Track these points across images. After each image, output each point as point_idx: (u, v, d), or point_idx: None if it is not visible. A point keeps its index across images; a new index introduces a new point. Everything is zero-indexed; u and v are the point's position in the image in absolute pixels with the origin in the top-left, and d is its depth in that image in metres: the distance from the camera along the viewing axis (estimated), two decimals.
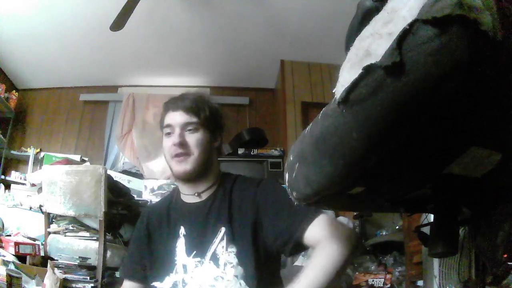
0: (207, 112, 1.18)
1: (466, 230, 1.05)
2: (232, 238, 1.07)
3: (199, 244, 1.09)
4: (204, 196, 1.17)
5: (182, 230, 1.12)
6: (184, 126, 1.15)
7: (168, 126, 1.17)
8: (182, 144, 1.13)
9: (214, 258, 1.06)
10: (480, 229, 0.95)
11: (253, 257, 1.05)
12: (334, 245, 0.94)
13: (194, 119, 1.15)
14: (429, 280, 1.58)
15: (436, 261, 1.47)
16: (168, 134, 1.16)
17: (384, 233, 2.65)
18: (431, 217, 0.84)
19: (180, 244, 1.11)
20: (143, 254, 1.18)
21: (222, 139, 1.25)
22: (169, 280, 1.08)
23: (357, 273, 2.48)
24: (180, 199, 1.20)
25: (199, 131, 1.16)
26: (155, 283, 1.11)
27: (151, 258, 1.16)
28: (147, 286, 1.14)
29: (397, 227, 2.52)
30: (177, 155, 1.13)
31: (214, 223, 1.10)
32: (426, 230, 0.86)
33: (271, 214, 1.06)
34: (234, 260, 1.04)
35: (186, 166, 1.13)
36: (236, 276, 1.03)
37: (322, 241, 0.96)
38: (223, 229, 1.08)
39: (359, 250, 1.02)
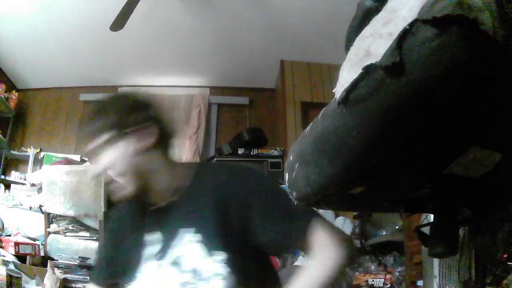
0: (109, 120, 0.92)
1: (466, 230, 1.05)
2: (208, 242, 0.91)
3: (164, 247, 0.96)
4: (175, 199, 0.99)
5: (156, 234, 0.99)
6: (94, 162, 0.94)
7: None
8: (109, 181, 0.94)
9: (177, 263, 0.93)
10: (480, 229, 0.95)
11: (241, 261, 0.92)
12: (329, 254, 0.89)
13: (92, 145, 0.92)
14: (429, 280, 1.58)
15: (436, 261, 1.47)
16: None
17: (384, 233, 2.64)
18: (431, 217, 0.84)
19: (149, 249, 0.99)
20: (112, 258, 1.05)
21: (165, 131, 0.98)
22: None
23: (357, 273, 2.48)
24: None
25: (107, 149, 0.92)
26: None
27: (119, 263, 1.03)
28: None
29: (397, 227, 2.52)
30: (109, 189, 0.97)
31: (182, 225, 0.95)
32: (426, 230, 0.86)
33: (260, 215, 0.92)
34: (222, 270, 0.90)
35: (121, 192, 0.95)
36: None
37: (317, 249, 0.90)
38: (191, 231, 0.94)
39: (355, 259, 0.95)
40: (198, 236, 0.93)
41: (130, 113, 0.94)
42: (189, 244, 0.93)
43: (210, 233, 0.92)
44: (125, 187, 0.93)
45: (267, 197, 0.95)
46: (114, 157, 0.92)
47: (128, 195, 0.95)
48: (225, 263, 0.90)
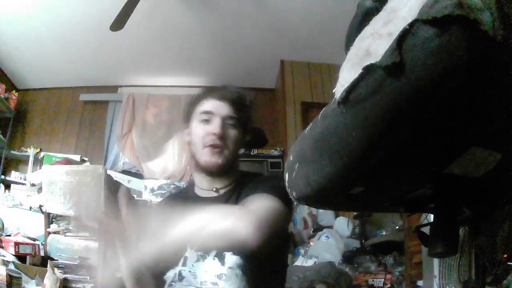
0: (245, 111, 1.16)
1: (466, 230, 1.05)
2: None
3: None
4: (221, 192, 1.14)
5: None
6: (226, 118, 1.11)
7: (208, 113, 1.12)
8: (223, 136, 1.09)
9: (220, 255, 1.02)
10: (480, 229, 0.95)
11: (257, 262, 0.99)
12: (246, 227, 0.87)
13: (236, 115, 1.13)
14: (429, 280, 1.58)
15: (436, 261, 1.47)
16: (205, 121, 1.12)
17: (384, 233, 2.64)
18: (431, 217, 0.84)
19: None
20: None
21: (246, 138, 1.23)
22: (171, 272, 1.05)
23: (357, 273, 2.48)
24: (195, 193, 1.17)
25: (237, 128, 1.13)
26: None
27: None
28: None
29: (397, 227, 2.52)
30: (213, 146, 1.09)
31: None
32: (426, 230, 0.86)
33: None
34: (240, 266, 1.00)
35: (219, 159, 1.09)
36: (231, 267, 0.99)
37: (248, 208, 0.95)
38: None
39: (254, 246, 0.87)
40: None
41: (251, 122, 1.21)
42: None
43: None
44: (223, 155, 1.10)
45: (263, 179, 1.12)
46: (236, 135, 1.13)
47: (216, 165, 1.10)
48: (242, 260, 0.99)
